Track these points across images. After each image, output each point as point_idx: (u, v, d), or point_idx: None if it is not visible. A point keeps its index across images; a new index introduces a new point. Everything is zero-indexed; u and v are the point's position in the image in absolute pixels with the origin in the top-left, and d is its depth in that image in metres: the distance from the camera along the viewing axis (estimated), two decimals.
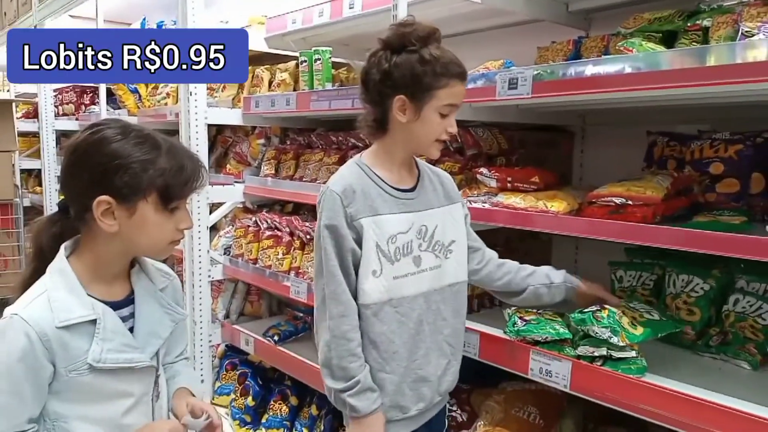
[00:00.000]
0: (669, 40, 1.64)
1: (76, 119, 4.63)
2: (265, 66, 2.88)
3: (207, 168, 1.16)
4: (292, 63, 2.72)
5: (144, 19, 3.94)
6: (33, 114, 5.30)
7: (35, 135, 5.00)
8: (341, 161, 2.39)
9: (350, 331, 1.39)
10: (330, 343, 1.39)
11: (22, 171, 5.51)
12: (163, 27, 3.77)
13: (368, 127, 1.46)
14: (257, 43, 2.85)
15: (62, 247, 1.19)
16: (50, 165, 4.71)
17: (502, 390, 1.86)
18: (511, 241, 2.19)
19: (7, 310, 1.12)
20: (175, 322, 1.31)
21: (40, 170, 4.89)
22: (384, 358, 1.42)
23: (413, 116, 1.38)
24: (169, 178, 1.14)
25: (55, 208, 4.06)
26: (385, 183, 1.43)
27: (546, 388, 1.66)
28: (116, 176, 1.10)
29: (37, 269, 1.19)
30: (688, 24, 1.59)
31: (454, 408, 1.92)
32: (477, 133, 1.97)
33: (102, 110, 3.69)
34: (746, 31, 1.37)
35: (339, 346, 1.38)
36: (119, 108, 3.96)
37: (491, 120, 2.03)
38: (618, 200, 1.48)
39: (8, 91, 5.84)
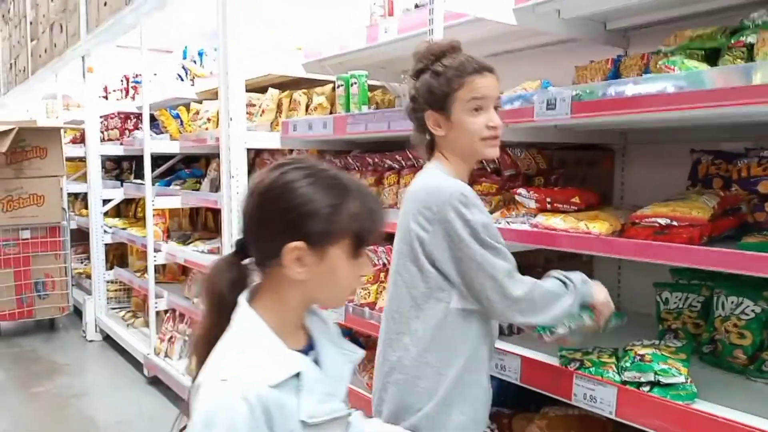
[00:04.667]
0: (712, 57, 1.61)
1: (121, 144, 4.80)
2: (303, 90, 2.94)
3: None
4: (329, 87, 2.76)
5: (186, 47, 4.08)
6: (80, 139, 5.52)
7: (82, 159, 5.19)
8: (378, 183, 2.41)
9: (532, 285, 1.39)
10: (543, 306, 1.39)
11: (69, 194, 5.73)
12: (204, 55, 3.89)
13: (425, 152, 1.53)
14: (295, 69, 2.92)
15: (243, 296, 1.07)
16: (96, 188, 4.88)
17: (545, 415, 1.82)
18: (550, 261, 2.17)
19: (210, 376, 0.99)
20: (353, 362, 1.19)
21: (86, 194, 5.08)
22: (473, 364, 1.44)
23: (448, 126, 1.42)
24: (361, 223, 1.05)
25: (98, 230, 4.15)
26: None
27: (589, 413, 1.62)
28: (309, 221, 1.02)
29: (219, 320, 1.07)
30: (732, 41, 1.55)
31: None
32: (515, 153, 1.96)
33: (145, 135, 3.80)
34: None
35: (539, 291, 1.39)
36: (162, 133, 4.08)
37: (529, 140, 2.02)
38: (662, 221, 1.45)
39: (57, 117, 6.08)
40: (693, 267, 1.40)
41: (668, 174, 2.03)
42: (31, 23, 6.57)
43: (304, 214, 1.01)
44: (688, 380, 1.39)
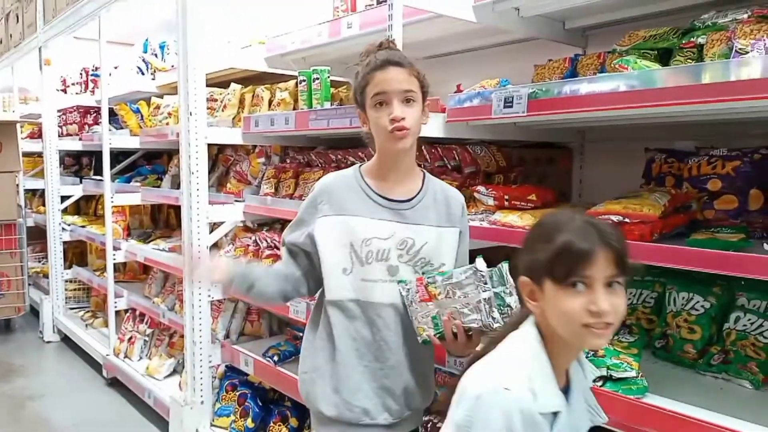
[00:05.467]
0: (664, 57, 1.64)
1: (80, 139, 4.67)
2: (265, 85, 2.90)
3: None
4: (292, 82, 2.73)
5: (147, 40, 3.98)
6: (38, 134, 5.34)
7: (40, 155, 5.03)
8: None
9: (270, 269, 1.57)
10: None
11: (27, 191, 5.55)
12: (166, 48, 3.81)
13: (372, 145, 1.55)
14: (257, 63, 2.87)
15: (531, 323, 1.10)
16: (54, 185, 4.74)
17: None
18: (512, 259, 2.18)
19: (485, 380, 1.02)
20: (593, 423, 1.17)
21: (44, 190, 4.93)
22: (351, 354, 1.46)
23: (367, 123, 1.47)
24: (554, 247, 1.02)
25: (56, 227, 4.05)
26: (372, 190, 1.48)
27: None
28: (523, 253, 1.09)
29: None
30: (683, 41, 1.59)
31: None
32: (475, 151, 1.98)
33: (104, 130, 3.71)
34: (740, 48, 1.36)
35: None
36: (122, 128, 3.99)
37: (489, 138, 2.04)
38: (615, 218, 1.47)
39: (14, 111, 5.89)
40: (650, 264, 1.42)
41: (625, 172, 2.06)
42: None
43: (522, 250, 1.11)
44: (640, 374, 1.42)
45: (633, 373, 1.40)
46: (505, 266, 1.33)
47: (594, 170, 2.27)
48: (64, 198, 4.83)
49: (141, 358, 3.70)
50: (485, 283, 1.34)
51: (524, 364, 1.04)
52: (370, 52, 1.47)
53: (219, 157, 3.61)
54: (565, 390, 1.09)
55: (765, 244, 1.25)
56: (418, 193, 1.50)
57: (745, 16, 1.49)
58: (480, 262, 1.36)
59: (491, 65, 2.44)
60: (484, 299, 1.33)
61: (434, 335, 1.41)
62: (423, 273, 1.45)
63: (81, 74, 4.90)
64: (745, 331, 1.55)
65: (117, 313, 3.91)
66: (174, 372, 3.46)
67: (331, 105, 2.39)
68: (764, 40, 1.35)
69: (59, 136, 4.82)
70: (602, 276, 0.99)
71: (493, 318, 1.33)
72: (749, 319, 1.56)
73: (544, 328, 1.07)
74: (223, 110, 2.94)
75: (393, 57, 1.42)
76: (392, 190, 1.49)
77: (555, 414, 1.02)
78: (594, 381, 1.43)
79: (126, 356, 3.74)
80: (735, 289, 1.63)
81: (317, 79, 2.36)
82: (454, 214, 1.53)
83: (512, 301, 1.33)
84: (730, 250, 1.28)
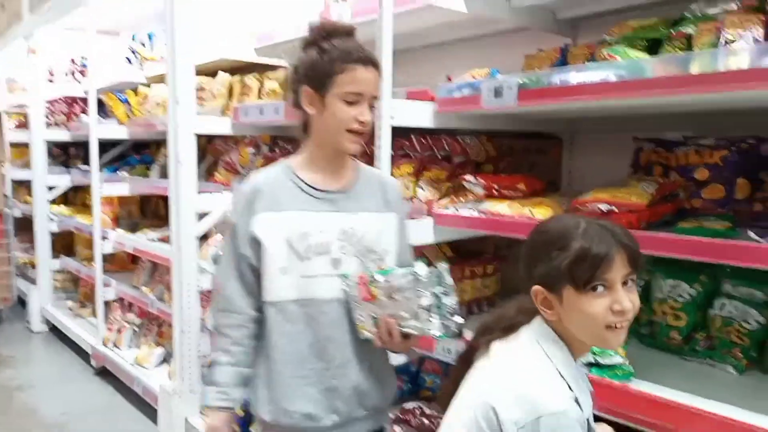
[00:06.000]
0: (654, 47, 1.65)
1: (68, 129, 4.62)
2: (255, 75, 2.89)
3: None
4: (282, 72, 2.72)
5: (135, 30, 3.95)
6: (25, 124, 5.28)
7: (27, 145, 4.97)
8: None
9: (228, 327, 1.44)
10: (212, 335, 1.47)
11: (14, 181, 5.49)
12: (153, 37, 3.78)
13: (300, 131, 1.47)
14: (247, 53, 2.86)
15: (545, 330, 1.11)
16: (40, 175, 4.70)
17: None
18: (499, 248, 2.20)
19: (537, 402, 1.01)
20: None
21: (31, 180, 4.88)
22: (289, 360, 1.41)
23: (320, 107, 1.36)
24: (571, 255, 1.03)
25: (43, 218, 4.02)
26: (305, 183, 1.41)
27: None
28: (536, 264, 1.08)
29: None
30: (673, 32, 1.60)
31: None
32: (464, 141, 1.98)
33: (92, 120, 3.67)
34: (728, 39, 1.38)
35: (218, 339, 1.46)
36: (109, 117, 3.95)
37: (479, 128, 2.04)
38: (603, 207, 1.48)
39: (1, 101, 5.82)
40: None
41: (614, 162, 2.08)
42: None
43: (532, 259, 1.11)
44: (626, 361, 1.44)
45: (619, 359, 1.42)
46: (443, 266, 1.31)
47: (583, 160, 2.29)
48: (52, 188, 4.79)
49: (130, 347, 3.69)
50: (424, 289, 1.29)
51: (563, 379, 1.05)
52: (338, 32, 1.37)
53: (208, 147, 3.59)
54: None
55: (750, 232, 1.27)
56: (353, 182, 1.47)
57: (734, 6, 1.51)
58: (420, 267, 1.32)
59: (482, 55, 2.44)
60: (423, 306, 1.30)
61: (375, 334, 1.38)
62: (366, 269, 1.40)
63: (69, 64, 4.85)
64: (729, 317, 1.58)
65: (105, 303, 3.90)
66: (163, 361, 3.45)
67: None
68: (752, 30, 1.37)
69: (47, 126, 4.78)
70: (620, 276, 1.03)
71: (432, 324, 1.30)
72: (734, 306, 1.58)
73: (560, 333, 1.09)
74: (212, 100, 2.92)
75: (373, 57, 1.38)
76: (326, 181, 1.43)
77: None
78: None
79: (115, 346, 3.73)
80: (720, 276, 1.65)
81: None
82: (391, 200, 1.50)
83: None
84: (717, 238, 1.30)
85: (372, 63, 1.37)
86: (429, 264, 1.34)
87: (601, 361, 1.43)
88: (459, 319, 1.31)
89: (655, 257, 1.64)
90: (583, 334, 1.06)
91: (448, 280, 1.30)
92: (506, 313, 1.19)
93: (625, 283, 1.04)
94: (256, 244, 1.39)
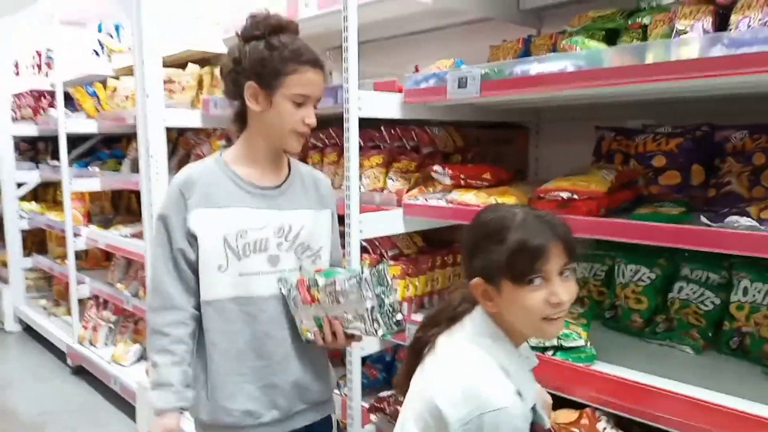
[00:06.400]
0: (612, 37, 1.69)
1: (35, 123, 4.54)
2: None
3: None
4: None
5: (101, 22, 3.88)
6: None
7: None
8: (302, 161, 2.40)
9: (165, 326, 1.37)
10: (148, 336, 1.41)
11: None
12: (121, 29, 3.72)
13: (233, 123, 1.45)
14: (215, 44, 2.84)
15: (486, 323, 1.11)
16: (8, 171, 4.62)
17: None
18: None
19: (479, 399, 1.01)
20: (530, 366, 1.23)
21: None
22: (227, 359, 1.39)
23: (266, 104, 1.35)
24: (515, 255, 1.02)
25: (12, 215, 3.93)
26: (240, 179, 1.40)
27: None
28: (474, 257, 1.08)
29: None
30: (629, 22, 1.64)
31: None
32: (432, 132, 2.01)
33: (60, 114, 3.62)
34: (680, 30, 1.42)
35: (153, 340, 1.39)
36: (78, 111, 3.89)
37: (447, 118, 2.07)
38: (564, 195, 1.52)
39: None
40: (596, 238, 1.47)
41: (579, 150, 2.12)
42: None
43: (470, 251, 1.10)
44: (588, 343, 1.49)
45: (581, 342, 1.47)
46: (383, 266, 1.33)
47: (549, 149, 2.33)
48: (21, 185, 4.71)
49: (106, 345, 3.67)
50: (367, 291, 1.29)
51: (504, 371, 1.06)
52: (284, 28, 1.36)
53: (179, 140, 3.56)
54: None
55: (702, 217, 1.31)
56: (287, 178, 1.47)
57: None
58: (366, 271, 1.31)
59: (449, 45, 2.47)
60: (368, 308, 1.30)
61: (318, 334, 1.38)
62: (304, 271, 1.41)
63: (34, 56, 4.75)
64: (687, 299, 1.63)
65: (80, 300, 3.86)
66: (140, 358, 3.44)
67: None
68: (702, 21, 1.41)
69: (13, 120, 4.69)
70: (557, 267, 1.03)
71: (377, 325, 1.31)
72: (691, 289, 1.63)
73: (500, 324, 1.10)
74: (181, 92, 2.90)
75: (321, 59, 1.38)
76: (261, 177, 1.42)
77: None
78: (544, 350, 1.49)
79: (91, 344, 3.70)
80: (679, 260, 1.70)
81: None
82: (324, 196, 1.52)
83: (392, 300, 1.32)
84: (671, 223, 1.35)
85: (320, 65, 1.37)
86: (371, 265, 1.35)
87: (564, 344, 1.48)
88: (400, 317, 1.33)
89: (617, 244, 1.70)
90: (522, 325, 1.07)
91: (389, 279, 1.32)
92: (451, 303, 1.19)
93: (561, 273, 1.04)
94: (192, 239, 1.37)
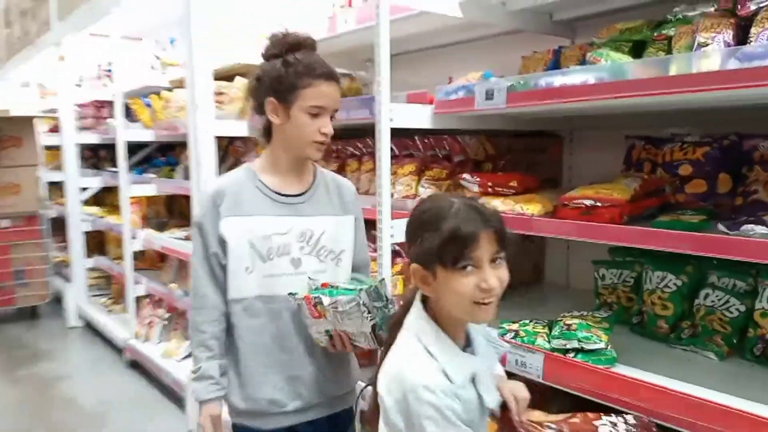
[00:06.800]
0: (639, 49, 1.73)
1: (97, 133, 4.84)
2: None
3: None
4: None
5: (156, 38, 4.12)
6: (58, 128, 5.54)
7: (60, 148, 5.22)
8: (340, 169, 2.52)
9: (204, 323, 1.51)
10: (190, 331, 1.56)
11: (50, 183, 5.76)
12: (174, 43, 3.94)
13: (260, 135, 1.57)
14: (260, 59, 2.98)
15: (417, 305, 1.19)
16: (73, 177, 4.93)
17: None
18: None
19: (404, 382, 1.09)
20: (499, 354, 1.33)
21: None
22: (255, 352, 1.51)
23: (285, 117, 1.46)
24: (448, 242, 1.08)
25: (76, 218, 4.20)
26: (267, 187, 1.52)
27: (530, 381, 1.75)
28: (413, 244, 1.14)
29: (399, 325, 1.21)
30: (655, 34, 1.67)
31: None
32: (464, 141, 2.08)
33: (118, 124, 3.86)
34: (701, 42, 1.45)
35: (194, 335, 1.53)
36: (135, 121, 4.14)
37: (479, 128, 2.13)
38: (588, 202, 1.57)
39: (33, 106, 6.09)
40: (617, 245, 1.52)
41: (612, 158, 2.15)
42: (3, 10, 6.53)
43: (410, 236, 1.17)
44: (608, 346, 1.53)
45: (602, 345, 1.51)
46: (380, 282, 1.42)
47: (583, 157, 2.36)
48: (84, 189, 5.02)
49: (160, 341, 3.87)
50: (368, 309, 1.38)
51: (429, 354, 1.12)
52: (301, 45, 1.47)
53: (229, 148, 3.74)
54: (467, 344, 1.20)
55: (720, 225, 1.34)
56: (311, 186, 1.57)
57: (712, 9, 1.57)
58: (363, 295, 1.39)
59: (482, 56, 2.54)
60: (369, 327, 1.39)
61: (329, 343, 1.49)
62: (310, 289, 1.49)
63: (96, 69, 5.06)
64: (713, 306, 1.65)
65: (136, 299, 4.09)
66: (191, 354, 3.61)
67: None
68: (723, 33, 1.44)
69: (77, 130, 5.00)
70: (487, 255, 1.08)
71: (380, 341, 1.39)
72: (717, 296, 1.65)
73: (438, 309, 1.15)
74: (229, 103, 3.06)
75: (334, 73, 1.47)
76: (287, 185, 1.53)
77: (473, 378, 1.13)
78: (565, 352, 1.55)
79: (145, 340, 3.93)
80: (706, 268, 1.72)
81: None
82: (348, 202, 1.61)
83: (392, 311, 1.40)
84: (690, 230, 1.38)
85: (334, 78, 1.47)
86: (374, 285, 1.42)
87: (586, 346, 1.53)
88: None
89: (645, 251, 1.73)
90: (455, 309, 1.12)
91: (387, 293, 1.41)
92: (407, 296, 1.25)
93: (493, 261, 1.08)
94: (223, 244, 1.49)
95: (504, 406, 1.26)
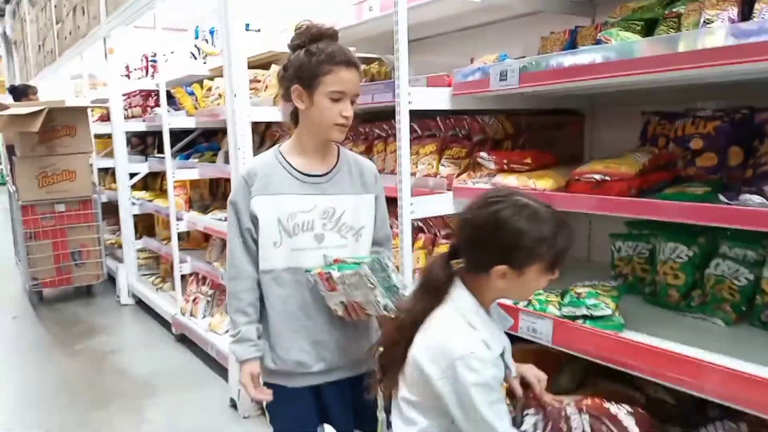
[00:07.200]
0: (651, 27, 1.77)
1: (143, 120, 5.09)
2: None
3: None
4: None
5: (198, 26, 4.30)
6: (107, 117, 5.83)
7: (110, 136, 5.51)
8: (368, 150, 2.63)
9: (240, 292, 1.66)
10: (228, 299, 1.70)
11: (99, 170, 6.09)
12: (215, 33, 4.11)
13: (288, 120, 1.70)
14: None
15: (460, 285, 1.37)
16: (122, 163, 5.21)
17: None
18: None
19: (453, 349, 1.26)
20: (506, 328, 1.53)
21: (114, 168, 5.42)
22: (283, 318, 1.66)
23: (309, 103, 1.57)
24: (556, 249, 1.29)
25: (126, 202, 4.50)
26: (293, 168, 1.65)
27: (546, 348, 1.85)
28: (515, 251, 1.29)
29: (431, 303, 1.38)
30: (666, 12, 1.71)
31: None
32: (483, 120, 2.16)
33: (163, 112, 4.08)
34: (707, 19, 1.50)
35: (232, 302, 1.68)
36: (179, 109, 4.35)
37: (501, 107, 2.20)
38: (598, 176, 1.64)
39: (84, 97, 6.41)
40: (644, 219, 1.59)
41: (633, 135, 2.18)
42: (55, 6, 6.87)
43: (511, 246, 1.29)
44: (616, 313, 1.61)
45: (609, 311, 1.60)
46: (381, 254, 1.57)
47: (604, 134, 2.41)
48: (132, 175, 5.31)
49: (204, 316, 4.11)
50: (372, 281, 1.52)
51: (473, 327, 1.30)
52: (323, 36, 1.59)
53: (266, 132, 3.91)
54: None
55: (720, 196, 1.40)
56: (335, 166, 1.68)
57: None
58: (365, 267, 1.53)
59: (505, 38, 2.59)
60: (375, 295, 1.52)
61: (346, 314, 1.62)
62: (324, 263, 1.62)
63: (141, 60, 5.31)
64: (722, 275, 1.70)
65: (182, 277, 4.34)
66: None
67: None
68: (729, 11, 1.48)
69: (125, 118, 5.27)
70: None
71: (387, 305, 1.53)
72: (727, 265, 1.70)
73: (483, 292, 1.34)
74: (265, 90, 3.22)
75: (354, 59, 1.58)
76: (311, 166, 1.65)
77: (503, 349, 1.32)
78: (574, 319, 1.64)
79: (191, 315, 4.17)
80: (719, 239, 1.77)
81: None
82: (368, 182, 1.72)
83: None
84: (693, 201, 1.45)
85: (354, 65, 1.57)
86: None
87: (594, 313, 1.61)
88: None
89: (659, 223, 1.79)
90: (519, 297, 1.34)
91: (390, 264, 1.56)
92: (437, 279, 1.39)
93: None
94: (255, 219, 1.63)
95: (525, 386, 1.44)
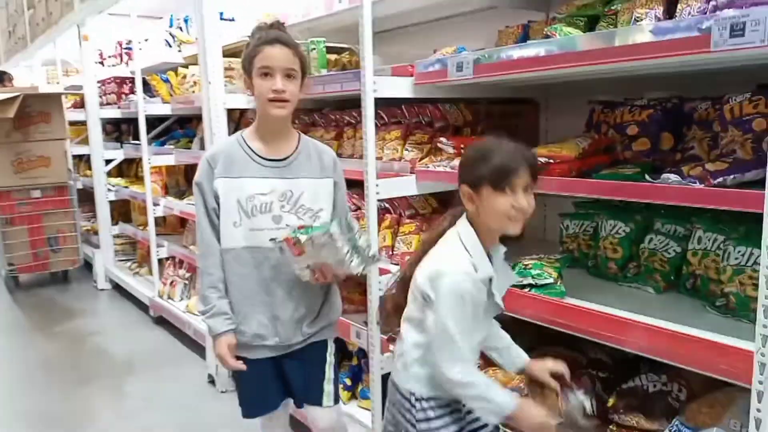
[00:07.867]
0: (593, 23, 1.94)
1: (118, 107, 5.14)
2: None
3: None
4: None
5: (171, 15, 4.36)
6: (81, 104, 5.86)
7: (84, 123, 5.55)
8: (338, 137, 2.78)
9: (210, 266, 1.77)
10: (199, 276, 1.81)
11: (74, 156, 6.11)
12: (190, 22, 4.19)
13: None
14: None
15: (464, 218, 1.48)
16: (97, 150, 5.26)
17: None
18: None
19: (445, 266, 1.40)
20: (509, 285, 1.64)
21: (89, 155, 5.46)
22: (243, 295, 1.78)
23: (251, 86, 1.71)
24: (492, 165, 1.38)
25: (102, 188, 4.58)
26: (254, 152, 1.76)
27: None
28: (464, 172, 1.45)
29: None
30: (606, 9, 1.89)
31: None
32: (444, 108, 2.32)
33: (139, 99, 4.15)
34: (637, 17, 1.67)
35: (202, 278, 1.79)
36: (154, 96, 4.42)
37: (462, 96, 2.36)
38: (542, 159, 1.81)
39: (58, 83, 6.41)
40: (590, 199, 1.75)
41: (583, 123, 2.36)
42: None
43: (462, 168, 1.47)
44: (558, 282, 1.80)
45: (551, 280, 1.78)
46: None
47: (557, 122, 2.58)
48: (108, 161, 5.36)
49: (182, 298, 4.23)
50: (340, 240, 1.64)
51: (467, 251, 1.43)
52: (261, 29, 1.71)
53: (241, 119, 4.01)
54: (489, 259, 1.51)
55: (646, 176, 1.59)
56: (294, 151, 1.79)
57: None
58: (333, 226, 1.65)
59: (468, 30, 2.75)
60: (345, 254, 1.65)
61: (312, 277, 1.74)
62: (292, 230, 1.70)
63: (116, 47, 5.34)
64: (655, 249, 1.89)
65: (159, 261, 4.44)
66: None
67: (328, 71, 2.75)
68: (655, 9, 1.65)
69: (100, 105, 5.31)
70: (522, 183, 1.38)
71: (354, 264, 1.67)
72: (659, 240, 1.89)
73: (477, 223, 1.46)
74: (239, 78, 3.32)
75: (281, 37, 1.68)
76: (271, 150, 1.76)
77: (490, 279, 1.44)
78: (522, 287, 1.81)
79: (169, 297, 4.28)
80: (653, 216, 1.96)
81: (314, 49, 2.72)
82: (327, 167, 1.83)
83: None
84: (622, 180, 1.63)
85: (277, 41, 1.67)
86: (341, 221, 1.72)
87: (538, 282, 1.79)
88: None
89: (605, 202, 1.98)
90: (492, 221, 1.42)
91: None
92: (441, 224, 1.54)
93: (525, 189, 1.39)
94: (218, 200, 1.75)
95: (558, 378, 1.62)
